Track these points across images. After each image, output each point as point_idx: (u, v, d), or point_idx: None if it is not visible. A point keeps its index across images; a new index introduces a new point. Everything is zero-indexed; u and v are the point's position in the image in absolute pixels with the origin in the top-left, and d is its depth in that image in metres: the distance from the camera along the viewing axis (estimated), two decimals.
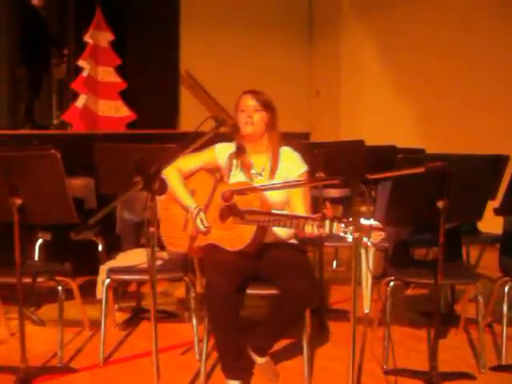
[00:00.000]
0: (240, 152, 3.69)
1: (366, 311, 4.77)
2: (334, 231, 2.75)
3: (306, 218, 3.02)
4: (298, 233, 3.43)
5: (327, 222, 2.82)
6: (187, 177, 3.72)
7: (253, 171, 3.67)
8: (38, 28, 7.87)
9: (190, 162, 3.70)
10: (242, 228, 3.37)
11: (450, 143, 5.76)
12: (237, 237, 3.39)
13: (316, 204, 4.01)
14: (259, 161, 3.69)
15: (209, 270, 3.48)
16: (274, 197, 3.53)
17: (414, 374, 3.68)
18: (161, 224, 3.66)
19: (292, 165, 3.67)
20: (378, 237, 2.74)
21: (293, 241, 3.73)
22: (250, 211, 3.25)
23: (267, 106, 3.65)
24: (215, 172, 3.73)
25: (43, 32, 8.01)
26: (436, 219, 3.31)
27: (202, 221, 3.48)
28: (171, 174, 3.64)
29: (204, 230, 3.47)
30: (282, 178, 3.61)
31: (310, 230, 2.84)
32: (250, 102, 3.63)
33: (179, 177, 3.67)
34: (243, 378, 3.51)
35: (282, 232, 3.60)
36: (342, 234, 2.74)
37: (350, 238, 2.69)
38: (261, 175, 3.65)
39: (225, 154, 3.72)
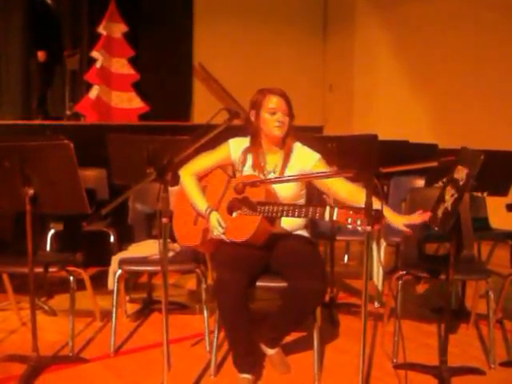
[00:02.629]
0: (255, 148, 3.65)
1: (377, 305, 4.79)
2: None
3: (315, 206, 3.05)
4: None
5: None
6: (203, 177, 3.70)
7: (266, 170, 3.62)
8: (50, 21, 7.87)
9: (204, 162, 3.68)
10: (247, 219, 3.37)
11: (463, 138, 5.72)
12: (241, 228, 3.39)
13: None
14: (272, 159, 3.64)
15: (218, 266, 3.47)
16: (284, 191, 3.51)
17: (423, 368, 3.67)
18: (174, 218, 3.66)
19: (304, 157, 3.62)
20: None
21: (304, 233, 3.72)
22: (261, 202, 3.26)
23: (292, 110, 3.61)
24: (228, 168, 3.72)
25: (54, 26, 8.02)
26: None
27: (219, 222, 3.45)
28: (187, 179, 3.63)
29: (221, 232, 3.45)
30: (295, 172, 3.57)
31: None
32: (283, 107, 3.56)
33: (195, 182, 3.65)
34: (255, 372, 3.52)
35: (291, 223, 3.59)
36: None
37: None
38: (274, 172, 3.61)
39: (238, 150, 3.68)
